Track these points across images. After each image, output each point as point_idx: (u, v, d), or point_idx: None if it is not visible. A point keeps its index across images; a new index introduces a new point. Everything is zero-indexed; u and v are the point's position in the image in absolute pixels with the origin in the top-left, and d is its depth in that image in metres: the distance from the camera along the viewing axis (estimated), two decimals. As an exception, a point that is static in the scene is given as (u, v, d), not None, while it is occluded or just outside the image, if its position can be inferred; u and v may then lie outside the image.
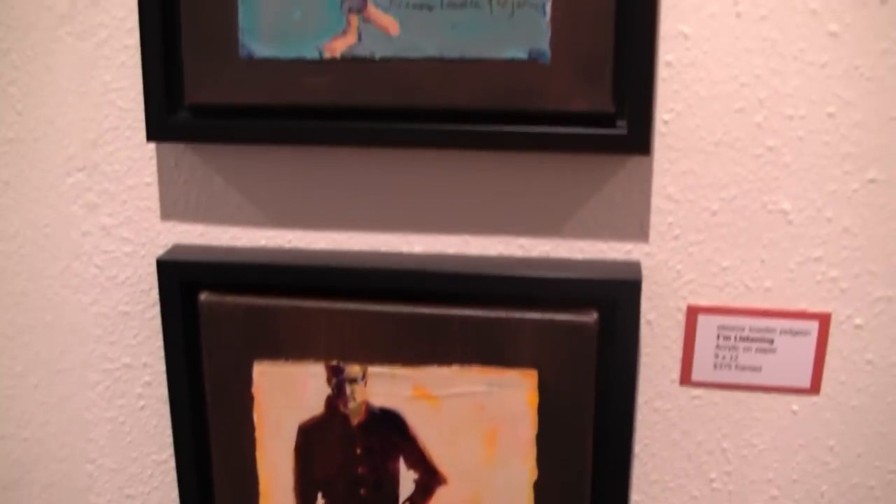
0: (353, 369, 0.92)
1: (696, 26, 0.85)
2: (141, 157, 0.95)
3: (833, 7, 0.84)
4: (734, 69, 0.86)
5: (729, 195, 0.89)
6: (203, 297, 0.93)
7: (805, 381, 0.92)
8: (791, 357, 0.91)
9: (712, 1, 0.85)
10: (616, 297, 0.88)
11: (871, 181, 0.87)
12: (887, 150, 0.86)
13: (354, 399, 0.93)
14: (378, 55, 0.85)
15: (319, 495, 0.97)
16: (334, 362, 0.93)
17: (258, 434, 0.96)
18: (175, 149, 0.94)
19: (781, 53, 0.85)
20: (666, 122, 0.88)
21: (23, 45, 0.94)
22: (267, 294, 0.92)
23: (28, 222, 0.99)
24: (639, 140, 0.85)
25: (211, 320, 0.93)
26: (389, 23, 0.85)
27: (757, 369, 0.92)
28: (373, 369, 0.92)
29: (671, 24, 0.85)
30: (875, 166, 0.87)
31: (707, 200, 0.89)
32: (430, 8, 0.84)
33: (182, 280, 0.92)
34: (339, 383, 0.93)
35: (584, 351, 0.89)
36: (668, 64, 0.86)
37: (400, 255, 0.93)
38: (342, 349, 0.92)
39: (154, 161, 0.95)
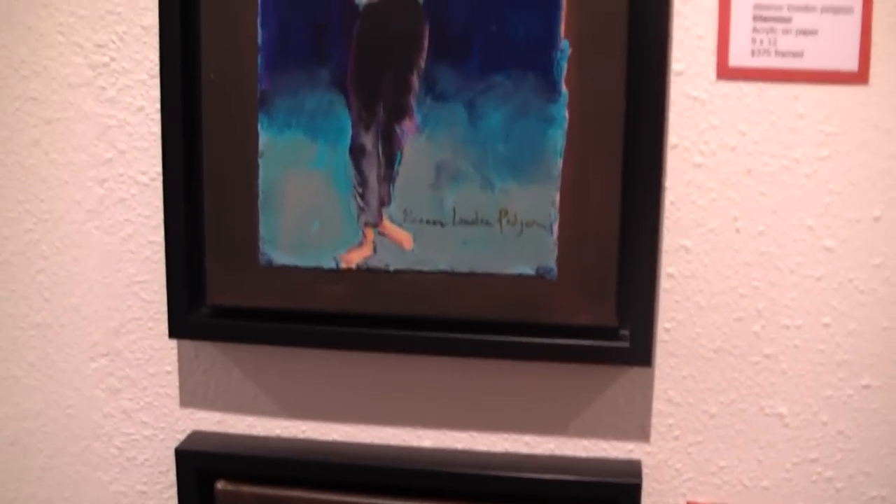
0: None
1: (696, 240, 0.89)
2: (162, 346, 0.99)
3: (828, 224, 0.88)
4: (733, 281, 0.90)
5: (727, 399, 0.92)
6: (219, 485, 0.96)
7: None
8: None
9: (713, 217, 0.89)
10: (617, 498, 0.91)
11: (865, 387, 0.90)
12: (880, 357, 0.90)
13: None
14: (392, 267, 0.90)
15: None
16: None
17: None
18: (195, 341, 0.98)
19: (779, 267, 0.89)
20: (667, 330, 0.91)
21: (52, 237, 0.99)
22: (281, 485, 0.95)
23: (52, 402, 1.03)
24: (641, 353, 0.88)
25: (227, 506, 0.97)
26: (404, 237, 0.89)
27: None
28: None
29: (673, 239, 0.89)
30: (869, 373, 0.90)
31: (706, 404, 0.93)
32: (443, 224, 0.88)
33: (199, 469, 0.96)
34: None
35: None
36: (670, 276, 0.90)
37: (409, 451, 0.97)
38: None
39: (175, 351, 0.99)
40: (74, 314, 1.00)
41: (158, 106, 0.93)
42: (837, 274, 0.89)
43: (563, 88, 0.85)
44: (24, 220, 0.99)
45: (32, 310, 1.01)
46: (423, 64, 0.86)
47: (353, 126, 0.88)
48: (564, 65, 0.85)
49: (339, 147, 0.88)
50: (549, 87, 0.85)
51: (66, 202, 0.98)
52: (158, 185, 0.95)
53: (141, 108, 0.95)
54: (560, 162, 0.86)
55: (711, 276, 0.90)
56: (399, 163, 0.88)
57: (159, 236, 0.96)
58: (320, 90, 0.88)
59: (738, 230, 0.89)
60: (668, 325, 0.91)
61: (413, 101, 0.87)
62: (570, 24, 0.84)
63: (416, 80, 0.87)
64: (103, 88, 0.95)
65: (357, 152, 0.88)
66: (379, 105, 0.88)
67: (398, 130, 0.88)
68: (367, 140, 0.88)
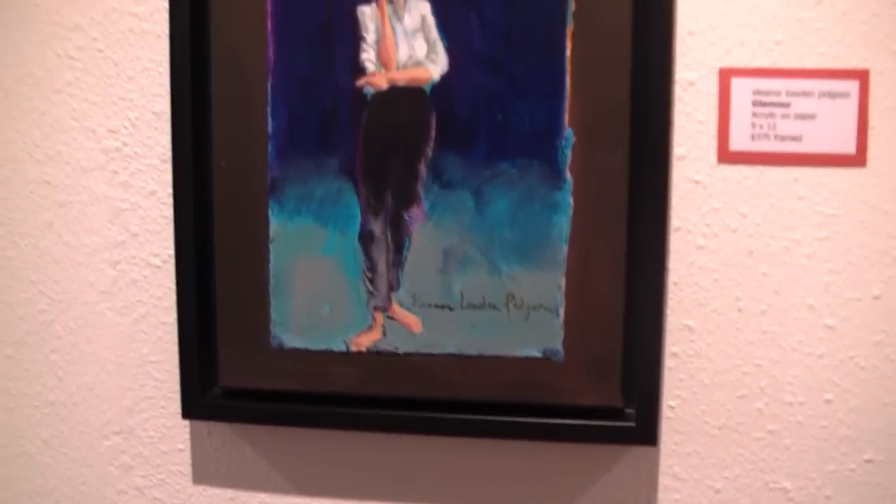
0: None
1: (700, 320, 0.91)
2: (175, 424, 1.01)
3: (829, 302, 0.89)
4: (736, 359, 0.92)
5: (732, 474, 0.94)
6: (231, 563, 0.97)
7: None
8: None
9: (715, 297, 0.90)
10: (625, 574, 0.92)
11: (868, 461, 0.92)
12: (883, 433, 0.91)
13: None
14: (401, 350, 0.91)
15: None
16: None
17: None
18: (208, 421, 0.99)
19: (781, 345, 0.91)
20: (672, 408, 0.93)
21: (66, 318, 1.01)
22: (292, 562, 0.97)
23: (65, 479, 1.04)
24: (646, 432, 0.90)
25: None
26: (413, 321, 0.91)
27: None
28: None
29: (677, 319, 0.91)
30: (871, 448, 0.91)
31: (711, 480, 0.94)
32: (451, 308, 0.90)
33: (212, 547, 0.97)
34: None
35: None
36: (675, 355, 0.92)
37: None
38: None
39: (187, 430, 1.01)
40: (88, 393, 1.02)
41: (170, 190, 0.95)
42: (838, 351, 0.90)
43: (568, 176, 0.87)
44: (38, 300, 1.01)
45: (46, 388, 1.03)
46: (430, 152, 0.88)
47: (361, 213, 0.90)
48: (568, 153, 0.87)
49: (348, 233, 0.90)
50: (554, 175, 0.87)
51: (80, 283, 1.00)
52: (170, 267, 0.97)
53: (153, 192, 0.97)
54: (565, 247, 0.88)
55: (715, 355, 0.91)
56: (407, 249, 0.90)
57: (171, 317, 0.97)
58: (329, 178, 0.90)
59: (740, 310, 0.90)
60: (672, 403, 0.92)
61: (421, 189, 0.89)
62: (574, 113, 0.86)
63: (423, 169, 0.88)
64: (116, 172, 0.97)
65: (366, 238, 0.90)
66: (387, 192, 0.89)
67: (406, 217, 0.89)
68: (376, 226, 0.90)
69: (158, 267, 0.98)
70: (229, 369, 0.94)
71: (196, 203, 0.92)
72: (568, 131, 0.86)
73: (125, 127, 0.96)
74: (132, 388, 1.01)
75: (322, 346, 0.92)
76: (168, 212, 0.96)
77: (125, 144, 0.97)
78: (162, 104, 0.95)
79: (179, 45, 0.91)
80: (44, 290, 1.01)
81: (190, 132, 0.91)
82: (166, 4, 0.92)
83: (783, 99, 0.88)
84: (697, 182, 0.89)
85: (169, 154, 0.94)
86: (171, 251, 0.95)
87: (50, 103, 0.98)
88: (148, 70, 0.95)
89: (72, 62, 0.97)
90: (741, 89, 0.88)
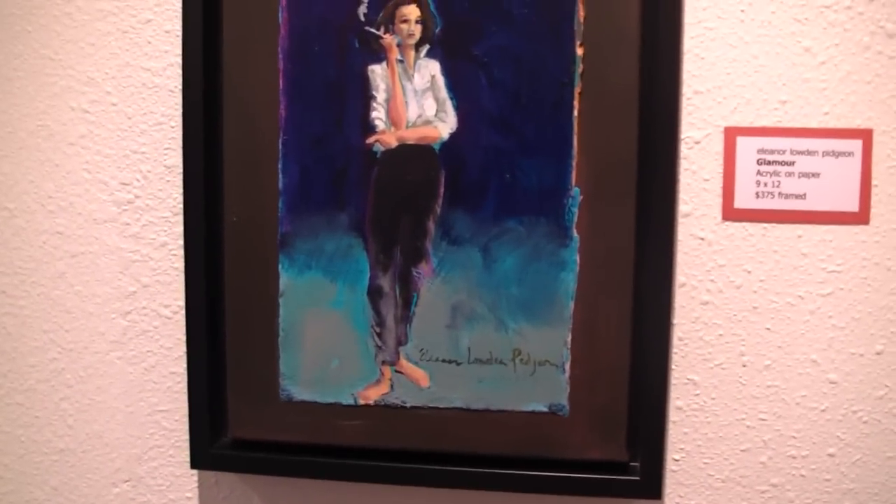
0: None
1: (704, 375, 0.92)
2: (183, 473, 1.02)
3: (832, 358, 0.90)
4: (740, 413, 0.93)
5: (736, 527, 0.95)
6: None
7: None
8: None
9: (720, 352, 0.92)
10: None
11: (871, 515, 0.93)
12: (885, 486, 0.92)
13: None
14: (409, 404, 0.92)
15: None
16: None
17: None
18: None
19: (785, 399, 0.92)
20: (677, 461, 0.94)
21: (76, 367, 1.02)
22: None
23: (74, 526, 1.05)
24: (651, 486, 0.91)
25: None
26: (420, 375, 0.92)
27: None
28: None
29: (681, 373, 0.92)
30: (874, 501, 0.92)
31: (716, 532, 0.95)
32: (458, 363, 0.91)
33: None
34: None
35: None
36: (679, 409, 0.93)
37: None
38: None
39: (195, 478, 1.01)
40: (97, 441, 1.03)
41: (181, 242, 0.96)
42: (842, 406, 0.91)
43: (575, 234, 0.88)
44: (49, 349, 1.02)
45: (56, 436, 1.04)
46: (439, 210, 0.89)
47: (371, 268, 0.91)
48: (575, 211, 0.88)
49: (357, 288, 0.91)
50: (561, 233, 0.88)
51: (91, 333, 1.01)
52: (180, 318, 0.98)
53: (164, 244, 0.98)
54: (572, 304, 0.89)
55: (719, 409, 0.93)
56: (416, 304, 0.91)
57: (181, 367, 0.99)
58: (339, 233, 0.91)
59: (744, 365, 0.92)
60: (677, 457, 0.93)
61: (429, 246, 0.90)
62: (581, 172, 0.88)
63: (432, 226, 0.90)
64: (128, 224, 0.99)
65: (375, 293, 0.91)
66: (396, 248, 0.91)
67: (415, 273, 0.90)
68: (385, 282, 0.91)
69: (169, 318, 0.99)
70: (239, 420, 0.94)
71: (207, 256, 0.93)
72: (575, 190, 0.87)
73: (137, 180, 0.98)
74: (141, 437, 1.02)
75: (330, 399, 0.93)
76: (179, 263, 0.97)
77: (137, 197, 0.98)
78: (174, 158, 0.96)
79: (191, 100, 0.92)
80: (55, 338, 1.02)
81: (201, 186, 0.93)
82: (179, 60, 0.94)
83: (788, 157, 0.89)
84: (703, 239, 0.90)
85: (180, 207, 0.95)
86: (182, 302, 0.96)
87: (63, 155, 0.99)
88: (160, 124, 0.97)
89: (85, 115, 0.98)
90: (746, 148, 0.90)
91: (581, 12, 0.86)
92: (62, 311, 1.01)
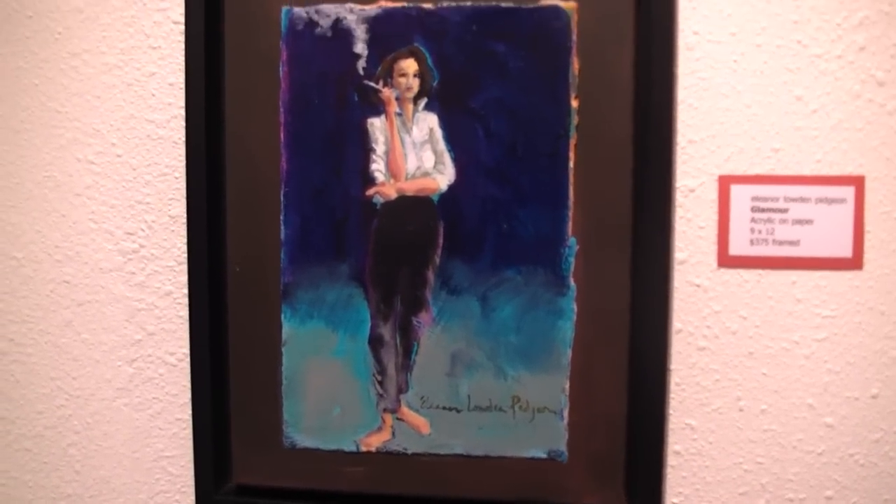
0: None
1: (701, 419, 0.93)
2: (189, 518, 1.03)
3: (828, 401, 0.91)
4: (738, 457, 0.93)
5: (736, 570, 0.95)
6: None
7: None
8: None
9: (717, 397, 0.93)
10: None
11: (870, 558, 0.93)
12: (883, 528, 0.93)
13: None
14: (410, 450, 0.93)
15: None
16: None
17: None
18: (220, 514, 1.02)
19: (781, 443, 0.93)
20: (675, 505, 0.95)
21: (83, 413, 1.03)
22: None
23: (81, 570, 1.07)
24: (650, 532, 0.92)
25: None
26: (421, 423, 0.93)
27: None
28: None
29: (679, 418, 0.93)
30: (872, 543, 0.93)
31: (715, 575, 0.96)
32: (459, 410, 0.92)
33: None
34: None
35: None
36: (677, 453, 0.94)
37: None
38: None
39: (201, 522, 1.03)
40: (104, 486, 1.04)
41: (185, 291, 0.98)
42: (838, 449, 0.92)
43: (571, 283, 0.90)
44: (56, 396, 1.04)
45: (64, 481, 1.05)
46: (438, 260, 0.91)
47: (371, 318, 0.92)
48: (572, 260, 0.89)
49: (358, 337, 0.93)
50: (558, 282, 0.90)
51: (97, 380, 1.02)
52: (185, 365, 0.99)
53: (169, 293, 1.00)
54: (569, 352, 0.90)
55: (717, 453, 0.93)
56: (416, 352, 0.92)
57: (186, 414, 1.00)
58: (340, 283, 0.92)
59: (741, 409, 0.93)
60: (676, 500, 0.94)
61: (429, 295, 0.91)
62: (578, 222, 0.89)
63: (431, 275, 0.91)
64: (133, 273, 1.00)
65: (376, 342, 0.93)
66: (396, 298, 0.92)
67: (415, 322, 0.92)
68: (386, 331, 0.92)
69: (174, 365, 1.00)
70: (243, 467, 0.96)
71: (211, 304, 0.95)
72: (571, 239, 0.89)
73: (142, 229, 0.99)
74: (147, 483, 1.03)
75: (333, 446, 0.94)
76: (183, 312, 0.99)
77: (142, 246, 1.00)
78: (178, 208, 0.98)
79: (195, 151, 0.94)
80: (62, 385, 1.03)
81: (205, 236, 0.94)
82: (183, 112, 0.95)
83: (781, 205, 0.91)
84: (698, 286, 0.91)
85: (185, 256, 0.97)
86: (187, 350, 0.98)
87: (70, 206, 1.01)
88: (165, 175, 0.98)
89: (91, 166, 1.00)
90: (740, 196, 0.91)
91: (576, 65, 0.88)
92: (69, 359, 1.03)
